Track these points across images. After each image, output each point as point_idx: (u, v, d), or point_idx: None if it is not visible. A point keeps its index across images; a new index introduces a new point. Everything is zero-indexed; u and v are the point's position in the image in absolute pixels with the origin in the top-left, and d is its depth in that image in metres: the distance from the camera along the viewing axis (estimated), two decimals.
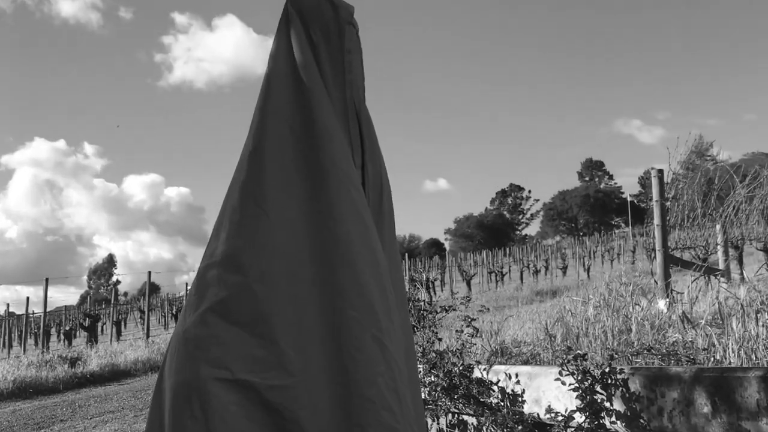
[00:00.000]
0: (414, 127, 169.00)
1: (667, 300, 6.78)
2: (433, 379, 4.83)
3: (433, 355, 4.88)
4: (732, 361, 4.11)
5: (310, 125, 1.80)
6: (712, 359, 4.24)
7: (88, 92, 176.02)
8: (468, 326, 5.11)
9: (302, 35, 1.88)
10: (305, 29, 1.89)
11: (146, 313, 25.82)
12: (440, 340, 5.36)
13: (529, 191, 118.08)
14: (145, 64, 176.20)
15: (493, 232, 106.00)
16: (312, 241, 1.73)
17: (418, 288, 7.96)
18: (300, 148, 1.79)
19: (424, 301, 6.95)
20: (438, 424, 5.24)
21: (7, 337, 37.69)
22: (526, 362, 5.46)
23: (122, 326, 37.21)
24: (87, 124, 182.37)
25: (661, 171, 9.06)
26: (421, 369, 4.93)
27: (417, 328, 6.00)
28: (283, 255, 1.70)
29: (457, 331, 5.25)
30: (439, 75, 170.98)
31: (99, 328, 33.57)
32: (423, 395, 4.99)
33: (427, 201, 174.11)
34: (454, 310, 6.32)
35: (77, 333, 36.61)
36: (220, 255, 1.69)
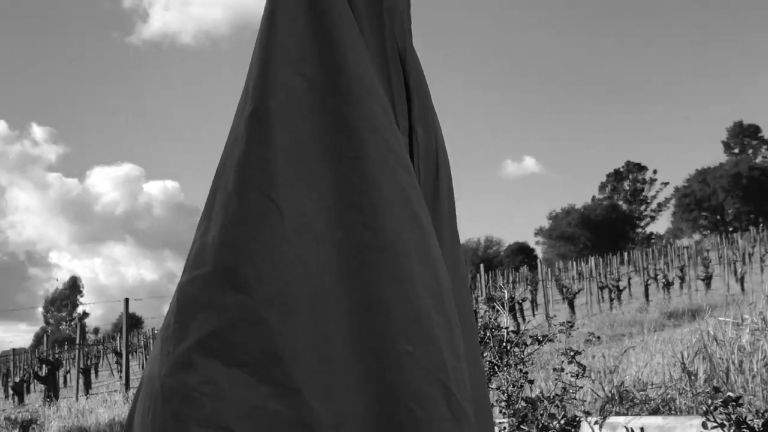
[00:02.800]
0: (491, 85, 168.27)
1: None
2: None
3: (523, 404, 4.85)
4: None
5: (335, 74, 1.69)
6: None
7: (35, 58, 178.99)
8: (571, 363, 5.07)
9: None
10: None
11: (124, 355, 26.08)
12: (532, 383, 5.32)
13: (654, 171, 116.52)
14: (112, 13, 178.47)
15: (604, 230, 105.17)
16: (344, 246, 1.64)
17: (499, 311, 7.90)
18: (321, 107, 1.68)
19: (507, 328, 6.90)
20: None
21: None
22: (655, 411, 5.39)
23: (92, 375, 37.75)
24: (36, 99, 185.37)
25: None
26: (507, 425, 4.91)
27: (499, 366, 5.96)
28: (301, 265, 1.60)
29: (554, 369, 5.21)
30: (522, 22, 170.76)
31: (61, 379, 34.09)
32: None
33: (509, 190, 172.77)
34: (551, 341, 6.26)
35: (31, 386, 37.26)
36: (212, 264, 1.60)
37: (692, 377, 5.69)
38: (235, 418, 1.52)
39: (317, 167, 1.66)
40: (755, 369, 5.26)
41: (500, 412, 4.97)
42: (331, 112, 1.69)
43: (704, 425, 3.83)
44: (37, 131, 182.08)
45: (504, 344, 6.06)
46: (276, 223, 1.60)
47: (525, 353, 6.00)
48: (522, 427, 4.79)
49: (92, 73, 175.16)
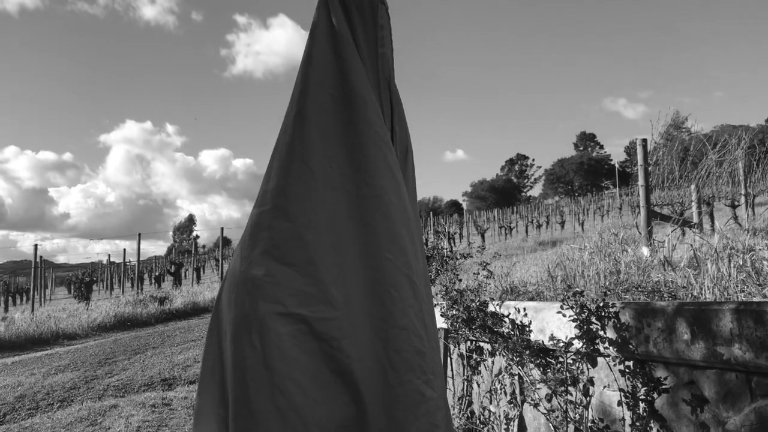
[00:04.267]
0: (437, 105, 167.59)
1: (650, 247, 6.65)
2: (455, 313, 4.79)
3: (455, 293, 4.84)
4: (707, 296, 4.01)
5: (349, 93, 1.71)
6: (690, 295, 4.15)
7: (167, 81, 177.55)
8: (483, 269, 5.07)
9: (340, 12, 1.78)
10: (342, 6, 1.79)
11: (220, 261, 26.12)
12: (460, 281, 5.31)
13: (533, 159, 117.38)
14: (213, 58, 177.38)
15: (502, 194, 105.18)
16: (352, 194, 1.67)
17: (441, 239, 7.90)
18: (338, 111, 1.71)
19: (446, 249, 6.90)
20: (459, 349, 5.22)
21: (108, 282, 38.48)
22: (531, 299, 5.40)
23: (201, 272, 37.68)
24: (168, 108, 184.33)
25: (644, 140, 8.86)
26: (445, 304, 4.91)
27: (441, 270, 5.96)
28: (325, 205, 1.64)
29: (474, 273, 5.21)
30: (457, 60, 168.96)
31: (182, 274, 34.08)
32: (446, 326, 4.98)
33: (447, 168, 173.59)
34: (471, 257, 6.27)
35: (165, 278, 37.23)
36: (271, 204, 1.62)
37: (554, 279, 5.70)
38: (286, 296, 1.54)
39: (336, 147, 1.69)
40: (590, 275, 5.26)
41: (441, 297, 4.97)
42: (345, 114, 1.71)
43: (561, 307, 3.84)
44: (169, 127, 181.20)
45: (444, 258, 6.05)
46: (310, 180, 1.63)
47: (456, 264, 5.99)
48: (454, 306, 4.79)
49: (202, 93, 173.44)
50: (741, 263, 4.31)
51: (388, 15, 1.91)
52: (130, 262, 34.49)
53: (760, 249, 4.74)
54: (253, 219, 1.65)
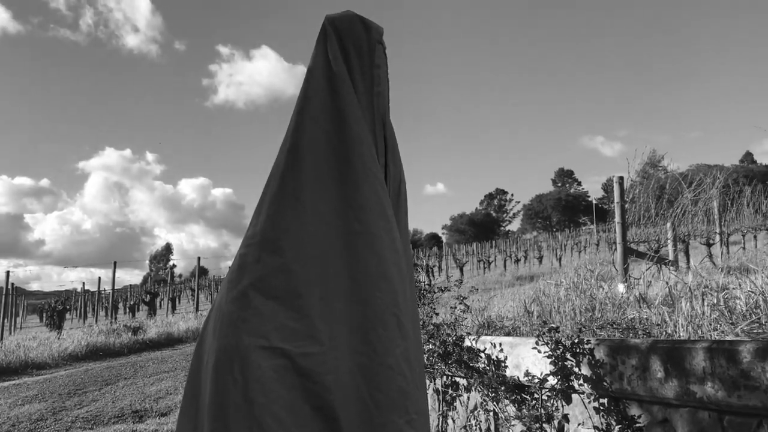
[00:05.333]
0: (418, 138, 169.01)
1: (626, 284, 6.70)
2: (431, 347, 4.77)
3: (432, 327, 4.82)
4: (681, 334, 4.03)
5: (343, 129, 1.72)
6: (664, 333, 4.17)
7: (148, 110, 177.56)
8: (460, 303, 5.06)
9: (337, 51, 1.81)
10: (340, 45, 1.82)
11: (196, 291, 25.83)
12: (437, 314, 5.30)
13: (512, 194, 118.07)
14: (195, 87, 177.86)
15: (482, 227, 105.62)
16: (342, 231, 1.67)
17: (419, 272, 7.88)
18: (333, 148, 1.71)
19: (424, 282, 6.89)
20: (435, 384, 5.18)
21: (82, 310, 37.85)
22: (508, 334, 5.39)
23: (177, 302, 37.21)
24: (149, 136, 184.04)
25: (621, 178, 8.98)
26: (422, 338, 4.88)
27: (418, 305, 5.93)
28: (316, 241, 1.63)
29: (451, 307, 5.20)
30: (440, 95, 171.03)
31: (158, 304, 33.63)
32: (423, 360, 4.94)
33: (428, 202, 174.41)
34: (449, 290, 6.26)
35: (140, 307, 36.67)
36: (260, 237, 1.62)
37: (530, 315, 5.70)
38: (270, 330, 1.53)
39: (328, 182, 1.69)
40: (566, 311, 5.27)
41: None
42: (338, 150, 1.72)
43: (537, 343, 3.84)
44: (149, 155, 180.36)
45: (422, 291, 6.04)
46: (301, 214, 1.64)
47: (434, 297, 5.98)
48: (430, 340, 4.77)
49: (184, 122, 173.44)
50: (714, 302, 4.35)
51: (385, 55, 1.94)
52: (104, 290, 33.99)
53: (733, 288, 4.79)
54: (242, 251, 1.65)
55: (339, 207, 1.69)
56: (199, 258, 25.52)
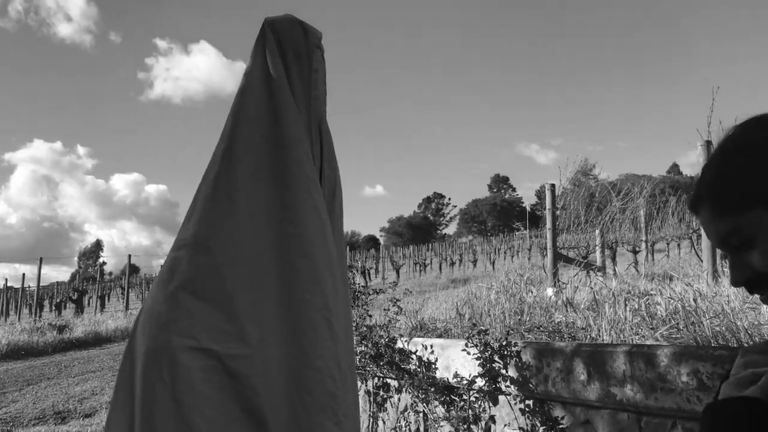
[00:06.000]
0: (358, 139, 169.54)
1: (555, 288, 6.87)
2: (363, 349, 4.78)
3: (365, 328, 4.83)
4: (605, 338, 4.16)
5: (279, 132, 1.73)
6: (588, 337, 4.29)
7: (81, 102, 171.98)
8: (394, 306, 5.09)
9: (276, 53, 1.81)
10: (279, 48, 1.82)
11: (126, 289, 25.17)
12: (371, 316, 5.31)
13: (449, 198, 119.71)
14: (131, 81, 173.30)
15: (419, 230, 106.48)
16: (275, 233, 1.67)
17: (355, 274, 7.92)
18: (269, 150, 1.71)
19: (358, 284, 6.90)
20: (366, 386, 5.19)
21: (4, 307, 36.26)
22: (440, 336, 5.45)
23: (106, 300, 36.08)
24: (80, 129, 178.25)
25: (553, 185, 9.21)
26: (354, 340, 4.88)
27: (352, 306, 5.93)
28: (248, 243, 1.63)
29: (385, 309, 5.22)
30: (380, 97, 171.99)
31: (86, 302, 32.59)
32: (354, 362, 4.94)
33: (366, 203, 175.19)
34: (384, 292, 6.29)
35: (66, 305, 35.40)
36: (192, 238, 1.61)
37: (462, 317, 5.78)
38: (199, 331, 1.53)
39: (263, 184, 1.70)
40: (496, 314, 5.37)
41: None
42: (274, 152, 1.72)
43: (466, 345, 3.89)
44: (80, 149, 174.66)
45: (356, 293, 6.04)
46: (235, 216, 1.64)
47: (368, 299, 5.99)
48: (363, 342, 4.78)
49: (117, 117, 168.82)
50: (636, 307, 4.51)
51: (323, 59, 1.95)
52: (29, 287, 32.68)
53: (654, 294, 4.98)
54: (174, 252, 1.63)
55: (272, 209, 1.69)
56: (129, 256, 24.91)
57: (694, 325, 3.77)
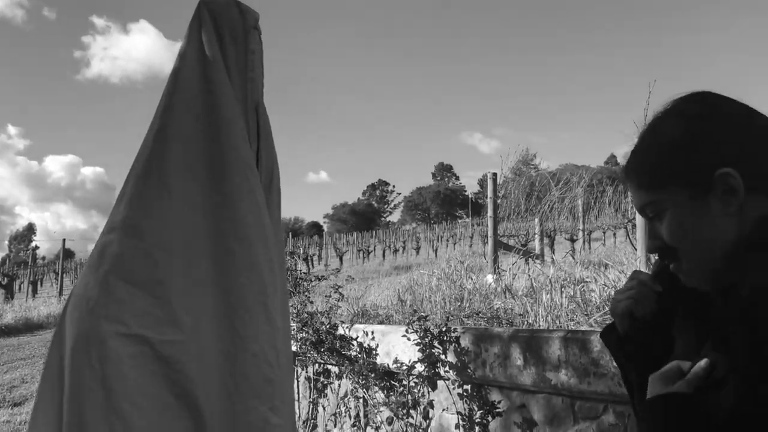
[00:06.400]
0: (302, 124, 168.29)
1: (495, 275, 6.99)
2: (304, 335, 4.76)
3: (306, 315, 4.82)
4: (541, 324, 4.25)
5: (214, 114, 1.69)
6: (526, 323, 4.39)
7: (12, 80, 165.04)
8: (335, 292, 5.09)
9: (212, 34, 1.76)
10: (215, 29, 1.77)
11: (60, 274, 24.45)
12: (312, 303, 5.29)
13: (394, 186, 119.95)
14: (66, 59, 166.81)
15: (363, 217, 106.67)
16: (210, 217, 1.64)
17: (297, 261, 7.87)
18: (203, 132, 1.67)
19: (300, 270, 6.87)
20: (307, 372, 5.18)
21: None
22: (381, 322, 5.48)
23: (38, 285, 34.88)
24: (11, 108, 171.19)
25: (495, 175, 9.34)
26: (295, 327, 4.86)
27: (294, 293, 5.91)
28: (181, 226, 1.60)
29: (326, 296, 5.21)
30: (325, 83, 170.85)
31: (16, 287, 31.44)
32: (295, 348, 4.92)
33: (310, 190, 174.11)
34: (326, 279, 6.28)
35: None
36: (122, 222, 1.57)
37: (403, 303, 5.82)
38: (129, 316, 1.50)
39: (197, 167, 1.66)
40: (437, 300, 5.43)
41: (292, 320, 4.91)
42: (209, 135, 1.68)
43: (407, 331, 3.92)
44: (11, 129, 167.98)
45: (298, 280, 6.02)
46: (166, 199, 1.60)
47: (310, 286, 5.98)
48: (304, 328, 4.76)
49: (52, 95, 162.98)
50: (572, 294, 4.63)
51: (260, 40, 1.91)
52: None
53: (589, 281, 5.12)
54: (104, 235, 1.59)
55: (207, 192, 1.66)
56: (64, 240, 24.24)
57: None
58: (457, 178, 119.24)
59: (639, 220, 6.61)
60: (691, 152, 1.03)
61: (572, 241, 17.62)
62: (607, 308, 4.14)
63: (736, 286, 0.95)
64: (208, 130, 1.69)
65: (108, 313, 1.49)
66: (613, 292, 4.36)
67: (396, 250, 40.09)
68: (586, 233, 19.05)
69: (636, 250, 7.11)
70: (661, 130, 1.09)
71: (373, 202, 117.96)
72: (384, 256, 37.75)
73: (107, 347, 1.46)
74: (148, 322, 1.50)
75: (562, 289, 4.75)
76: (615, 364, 2.95)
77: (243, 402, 1.60)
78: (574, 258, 9.79)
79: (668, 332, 1.14)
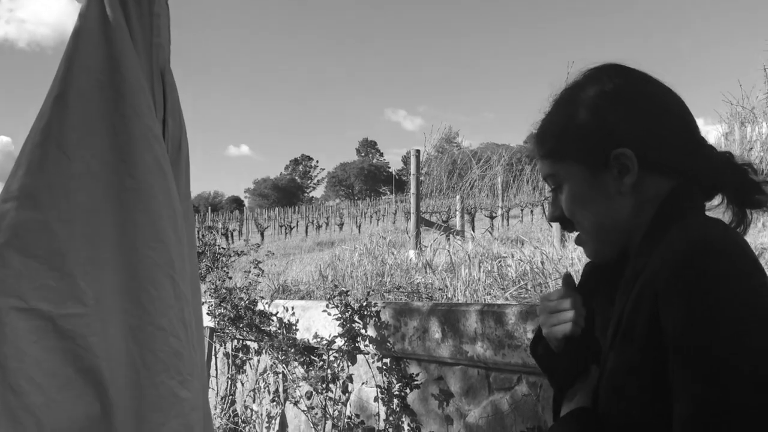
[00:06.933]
0: (222, 96, 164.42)
1: (417, 251, 7.08)
2: (222, 311, 4.69)
3: (224, 291, 4.74)
4: (460, 298, 4.34)
5: (117, 79, 1.60)
6: (445, 297, 4.47)
7: None
8: (255, 268, 5.02)
9: None
10: None
11: None
12: (231, 278, 5.21)
13: (317, 161, 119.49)
14: None
15: (286, 193, 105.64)
16: (113, 187, 1.56)
17: (216, 236, 7.72)
18: (105, 98, 1.58)
19: (219, 245, 6.75)
20: (225, 348, 5.12)
21: None
22: (302, 298, 5.47)
23: None
24: None
25: (418, 152, 9.41)
26: (213, 302, 4.79)
27: (212, 268, 5.80)
28: (82, 196, 1.52)
29: (246, 271, 5.15)
30: (248, 54, 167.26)
31: None
32: (213, 324, 4.85)
33: (231, 163, 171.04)
34: (246, 254, 6.19)
35: None
36: (18, 191, 1.47)
37: (324, 279, 5.82)
38: (27, 290, 1.43)
39: (99, 135, 1.58)
40: (359, 275, 5.45)
41: (210, 296, 4.83)
42: (112, 101, 1.60)
43: (327, 306, 3.92)
44: None
45: (216, 255, 5.92)
46: (66, 168, 1.52)
47: (229, 261, 5.89)
48: (222, 304, 4.69)
49: None
50: (490, 269, 4.74)
51: (166, 4, 1.83)
52: None
53: (506, 256, 5.25)
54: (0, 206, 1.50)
55: (110, 161, 1.59)
56: None
57: (541, 285, 4.02)
58: (382, 155, 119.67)
59: None
60: (592, 129, 1.04)
61: (492, 218, 18.02)
62: (522, 282, 4.27)
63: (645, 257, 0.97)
64: (111, 97, 1.61)
65: (4, 287, 1.42)
66: (528, 267, 4.50)
67: (319, 226, 39.96)
68: (505, 210, 19.55)
69: (551, 226, 7.35)
70: (568, 103, 1.10)
71: (296, 178, 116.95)
72: (307, 231, 37.55)
73: (3, 323, 1.40)
74: (47, 295, 1.45)
75: (480, 264, 4.86)
76: (529, 336, 3.05)
77: (151, 376, 1.57)
78: (491, 234, 10.03)
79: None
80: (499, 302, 3.88)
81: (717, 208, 1.06)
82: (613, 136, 1.02)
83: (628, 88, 1.06)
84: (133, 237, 1.57)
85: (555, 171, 1.10)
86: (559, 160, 1.09)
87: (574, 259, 4.66)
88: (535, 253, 5.07)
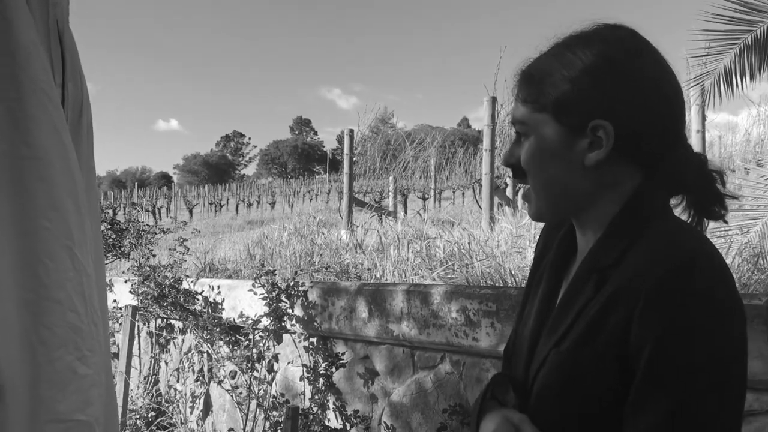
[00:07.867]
0: (152, 69, 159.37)
1: (348, 231, 7.10)
2: (145, 289, 4.59)
3: (148, 269, 4.63)
4: (388, 278, 4.39)
5: (9, 41, 1.51)
6: (373, 277, 4.50)
7: None
8: (181, 245, 4.93)
9: None
10: None
11: None
12: (154, 256, 5.10)
13: (249, 138, 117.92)
14: None
15: (216, 170, 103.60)
16: (7, 155, 1.47)
17: (140, 212, 7.55)
18: None
19: (143, 222, 6.60)
20: (148, 327, 5.02)
21: None
22: (229, 277, 5.40)
23: None
24: None
25: (352, 131, 9.40)
26: (137, 280, 4.68)
27: (136, 245, 5.68)
28: None
29: (170, 249, 5.05)
30: (181, 27, 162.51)
31: None
32: (136, 303, 4.74)
33: (159, 138, 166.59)
34: (172, 232, 6.09)
35: None
36: None
37: (252, 258, 5.77)
38: None
39: None
40: (287, 255, 5.43)
41: (133, 273, 4.72)
42: (4, 66, 1.49)
43: (253, 285, 3.90)
44: None
45: (140, 232, 5.78)
46: None
47: (153, 238, 5.76)
48: (145, 282, 4.59)
49: None
50: (418, 249, 4.80)
51: None
52: None
53: (435, 237, 5.33)
54: None
55: (4, 129, 1.51)
56: None
57: (467, 266, 4.11)
58: (316, 133, 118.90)
59: (485, 181, 6.94)
60: (580, 91, 0.98)
61: (424, 199, 18.21)
62: (450, 263, 4.35)
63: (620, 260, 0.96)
64: (3, 61, 1.54)
65: None
66: (455, 248, 4.58)
67: (250, 205, 39.46)
68: (437, 192, 19.78)
69: (481, 208, 7.49)
70: (567, 54, 1.02)
71: (228, 154, 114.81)
72: (237, 210, 37.03)
73: None
74: None
75: (410, 244, 4.92)
76: (453, 316, 3.12)
77: (47, 352, 1.51)
78: (421, 216, 10.15)
79: None
80: (426, 282, 3.94)
81: (674, 208, 1.04)
82: (600, 106, 0.97)
83: (634, 62, 0.99)
84: (28, 207, 1.50)
85: (527, 119, 1.04)
86: (535, 110, 1.02)
87: (500, 241, 4.77)
88: (464, 234, 5.16)
